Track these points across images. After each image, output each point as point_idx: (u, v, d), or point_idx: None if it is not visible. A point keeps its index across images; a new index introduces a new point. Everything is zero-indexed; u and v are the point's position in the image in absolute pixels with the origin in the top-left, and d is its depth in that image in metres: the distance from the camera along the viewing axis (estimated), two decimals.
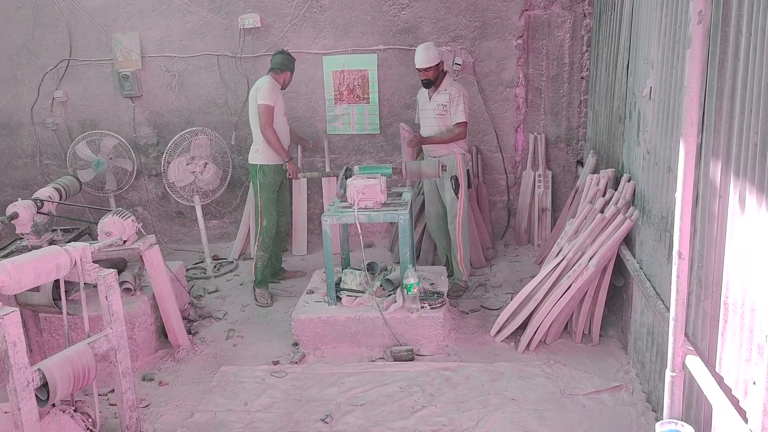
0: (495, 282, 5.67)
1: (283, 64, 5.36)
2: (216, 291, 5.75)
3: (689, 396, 3.00)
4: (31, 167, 6.91)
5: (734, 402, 2.50)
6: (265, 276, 5.50)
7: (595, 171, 5.32)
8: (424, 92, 5.39)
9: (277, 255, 5.83)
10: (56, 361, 3.15)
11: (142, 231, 4.54)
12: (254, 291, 5.51)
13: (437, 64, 5.16)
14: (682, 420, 2.91)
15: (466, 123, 5.22)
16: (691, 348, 2.90)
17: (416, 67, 5.21)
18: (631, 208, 4.17)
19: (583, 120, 6.33)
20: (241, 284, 5.90)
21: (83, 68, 6.63)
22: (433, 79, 5.21)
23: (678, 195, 2.81)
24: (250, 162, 5.45)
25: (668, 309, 3.26)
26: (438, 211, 5.52)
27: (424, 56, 5.14)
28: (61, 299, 3.49)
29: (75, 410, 3.46)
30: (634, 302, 4.09)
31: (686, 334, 2.94)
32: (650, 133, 3.77)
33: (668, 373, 2.92)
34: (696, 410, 2.95)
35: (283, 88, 5.42)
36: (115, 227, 4.37)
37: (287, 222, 5.91)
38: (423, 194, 5.76)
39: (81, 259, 3.41)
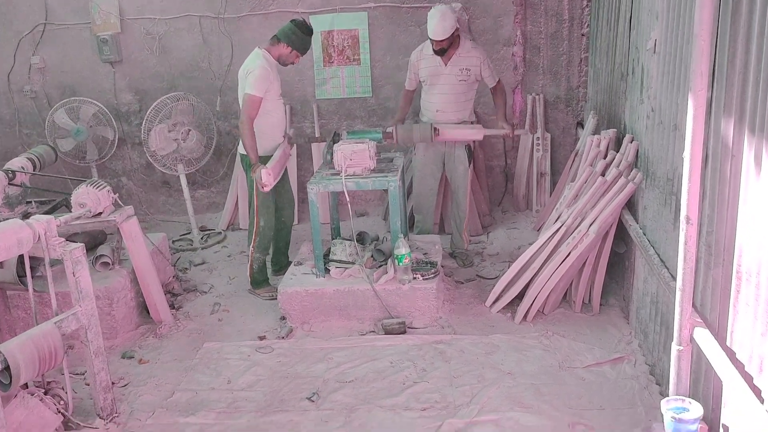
0: (492, 250, 5.46)
1: (283, 35, 4.54)
2: (203, 263, 5.53)
3: (697, 370, 2.80)
4: (10, 137, 6.64)
5: (748, 379, 2.29)
6: (263, 277, 4.86)
7: (596, 132, 5.07)
8: (428, 56, 4.87)
9: (283, 249, 5.13)
10: (19, 343, 2.95)
11: (119, 202, 4.30)
12: (253, 293, 4.84)
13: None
14: (689, 396, 2.73)
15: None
16: (699, 320, 2.69)
17: (432, 38, 4.68)
18: (633, 170, 3.93)
19: (583, 79, 6.06)
20: (228, 256, 5.68)
21: (60, 32, 6.32)
22: (448, 46, 4.75)
23: (686, 155, 2.58)
24: (241, 152, 4.68)
25: (674, 278, 3.05)
26: (432, 187, 5.21)
27: (441, 27, 4.59)
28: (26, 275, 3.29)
29: (45, 393, 3.28)
30: (636, 270, 3.88)
31: (694, 305, 2.74)
32: (655, 89, 3.52)
33: (675, 347, 2.72)
34: (704, 386, 2.76)
35: (283, 64, 4.65)
36: (90, 198, 4.13)
37: (291, 214, 5.11)
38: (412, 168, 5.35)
39: (45, 234, 3.19)
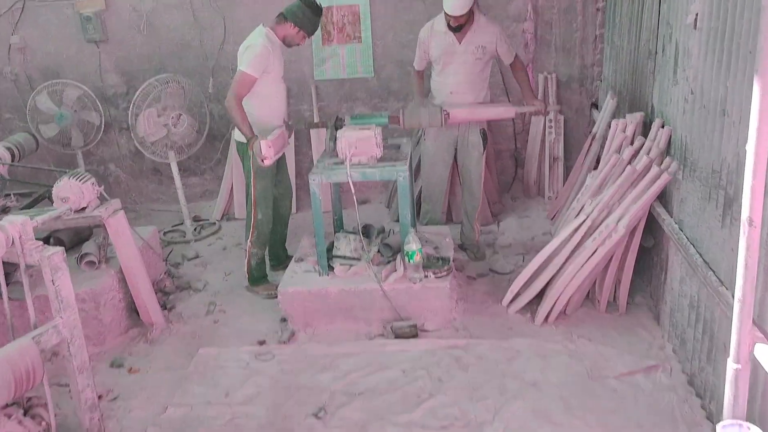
0: (504, 241, 5.13)
1: (291, 13, 4.17)
2: (196, 257, 5.19)
3: (753, 388, 2.49)
4: None
5: None
6: (261, 273, 4.54)
7: (616, 115, 4.73)
8: (441, 34, 4.47)
9: (281, 242, 4.81)
10: None
11: (105, 195, 3.94)
12: (251, 291, 4.52)
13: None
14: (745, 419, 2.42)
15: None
16: (759, 334, 2.38)
17: (450, 14, 4.28)
18: (666, 158, 3.60)
19: (598, 57, 5.70)
20: (224, 249, 5.34)
21: (41, 10, 5.90)
22: (465, 22, 4.35)
23: (750, 147, 2.24)
24: (236, 139, 4.35)
25: (723, 283, 2.75)
26: (443, 175, 4.87)
27: (461, 1, 4.22)
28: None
29: (25, 413, 2.96)
30: (670, 268, 3.55)
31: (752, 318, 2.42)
32: (696, 69, 3.17)
33: (731, 365, 2.40)
34: (761, 407, 2.46)
35: (288, 45, 4.32)
36: (72, 192, 3.77)
37: (288, 205, 4.78)
38: (420, 153, 5.02)
39: (20, 237, 2.85)
